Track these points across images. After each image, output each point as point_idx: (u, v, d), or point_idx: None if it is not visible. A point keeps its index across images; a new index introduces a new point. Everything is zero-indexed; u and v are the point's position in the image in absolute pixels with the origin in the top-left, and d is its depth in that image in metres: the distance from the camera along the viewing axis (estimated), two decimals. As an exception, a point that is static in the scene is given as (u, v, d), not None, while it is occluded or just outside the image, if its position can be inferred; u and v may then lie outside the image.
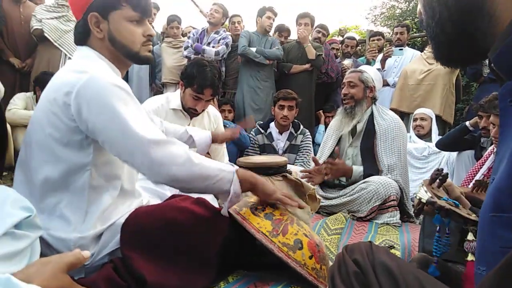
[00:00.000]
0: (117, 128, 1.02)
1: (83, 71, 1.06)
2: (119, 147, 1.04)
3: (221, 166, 1.14)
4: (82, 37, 1.19)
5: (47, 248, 1.06)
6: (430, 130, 3.59)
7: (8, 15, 3.75)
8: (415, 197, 1.13)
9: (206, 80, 2.05)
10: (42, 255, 1.06)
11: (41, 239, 1.06)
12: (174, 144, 1.08)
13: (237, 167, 1.19)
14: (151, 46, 1.25)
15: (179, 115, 2.23)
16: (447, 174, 1.19)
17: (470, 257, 1.01)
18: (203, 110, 2.21)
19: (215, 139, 1.84)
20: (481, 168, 2.37)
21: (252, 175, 1.21)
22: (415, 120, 3.63)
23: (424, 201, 1.07)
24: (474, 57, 0.55)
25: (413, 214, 2.38)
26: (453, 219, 1.03)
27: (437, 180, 1.17)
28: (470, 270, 0.98)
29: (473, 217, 1.02)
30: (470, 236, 1.02)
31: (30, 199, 1.06)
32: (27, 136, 1.15)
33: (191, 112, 2.19)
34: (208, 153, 2.42)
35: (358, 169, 2.47)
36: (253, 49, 4.02)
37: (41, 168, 1.09)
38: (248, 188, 1.20)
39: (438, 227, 1.05)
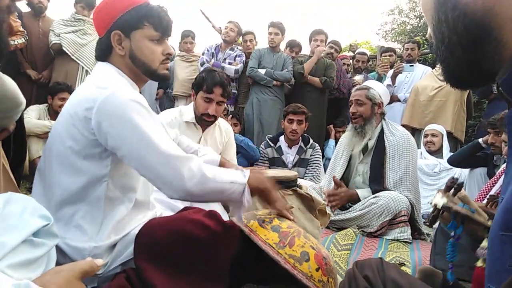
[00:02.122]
0: (137, 143, 1.05)
1: (104, 86, 1.10)
2: (139, 161, 1.07)
3: (234, 178, 1.15)
4: (103, 53, 1.24)
5: (62, 256, 1.08)
6: (441, 146, 3.57)
7: (28, 28, 3.88)
8: (430, 203, 1.11)
9: (214, 79, 2.13)
10: (57, 263, 1.08)
11: (57, 247, 1.08)
12: (191, 160, 1.10)
13: (247, 175, 1.19)
14: (168, 64, 1.29)
15: (191, 128, 2.27)
16: (462, 183, 1.17)
17: (480, 263, 0.99)
18: (215, 118, 2.23)
19: (222, 165, 1.83)
20: (494, 186, 2.35)
21: (262, 183, 1.22)
22: (426, 136, 3.61)
23: (440, 207, 1.05)
24: (483, 80, 0.57)
25: (424, 231, 2.36)
26: (468, 227, 1.01)
27: (452, 189, 1.16)
28: (478, 274, 0.97)
29: (490, 223, 0.99)
30: (485, 243, 1.00)
31: (48, 208, 1.10)
32: (47, 148, 1.18)
33: (203, 120, 2.22)
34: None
35: (363, 192, 2.45)
36: (262, 71, 4.08)
37: (60, 179, 1.12)
38: (256, 194, 1.22)
39: (453, 233, 1.03)
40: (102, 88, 1.09)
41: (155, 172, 1.07)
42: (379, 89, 2.57)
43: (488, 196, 1.31)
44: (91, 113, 1.07)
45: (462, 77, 0.57)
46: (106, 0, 1.22)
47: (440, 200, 1.06)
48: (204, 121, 2.24)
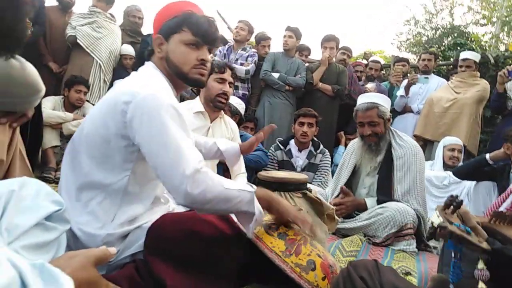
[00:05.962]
0: (161, 144, 1.07)
1: (146, 85, 1.14)
2: (157, 162, 1.08)
3: (241, 187, 1.14)
4: (148, 53, 1.33)
5: (75, 242, 1.11)
6: (457, 160, 3.51)
7: (53, 22, 3.92)
8: (428, 220, 1.12)
9: (221, 62, 2.39)
10: (70, 248, 1.09)
11: (71, 232, 1.10)
12: (205, 171, 1.09)
13: (255, 187, 1.18)
14: (203, 70, 1.31)
15: (199, 118, 2.32)
16: (461, 201, 1.16)
17: (480, 285, 0.98)
18: (227, 99, 2.32)
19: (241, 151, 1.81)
20: (504, 201, 2.30)
21: (268, 194, 1.21)
22: (452, 150, 3.48)
23: (436, 226, 1.06)
24: None
25: (431, 244, 2.31)
26: (466, 246, 1.01)
27: (451, 207, 1.15)
28: None
29: (484, 245, 0.99)
30: (480, 265, 1.00)
31: (70, 190, 1.15)
32: (79, 131, 1.22)
33: (218, 102, 2.29)
34: (228, 170, 2.45)
35: (371, 202, 2.40)
36: (276, 75, 4.08)
37: (86, 161, 1.15)
38: (263, 206, 1.18)
39: (453, 253, 1.03)
40: (144, 86, 1.13)
41: (168, 176, 1.07)
42: (385, 103, 2.45)
43: (492, 212, 1.29)
44: (128, 107, 1.10)
45: None
46: (162, 8, 1.32)
47: (437, 219, 1.06)
48: (218, 102, 2.29)
